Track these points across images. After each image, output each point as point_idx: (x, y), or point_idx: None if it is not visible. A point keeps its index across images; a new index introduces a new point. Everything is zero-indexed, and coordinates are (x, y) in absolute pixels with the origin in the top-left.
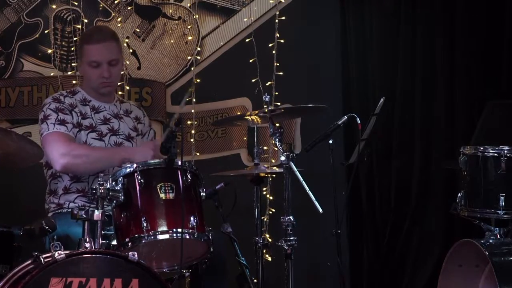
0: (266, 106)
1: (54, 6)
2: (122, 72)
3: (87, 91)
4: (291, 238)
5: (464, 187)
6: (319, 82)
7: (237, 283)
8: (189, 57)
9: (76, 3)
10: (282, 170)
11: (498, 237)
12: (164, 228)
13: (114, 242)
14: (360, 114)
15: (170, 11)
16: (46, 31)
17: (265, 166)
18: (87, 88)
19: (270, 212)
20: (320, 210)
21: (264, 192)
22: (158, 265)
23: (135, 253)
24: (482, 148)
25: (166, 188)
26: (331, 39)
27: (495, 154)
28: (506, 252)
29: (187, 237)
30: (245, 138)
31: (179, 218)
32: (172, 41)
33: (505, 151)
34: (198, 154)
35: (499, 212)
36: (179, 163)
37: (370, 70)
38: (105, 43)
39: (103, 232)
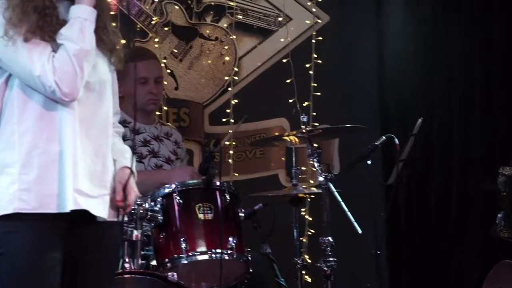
0: (304, 126)
1: None
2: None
3: (127, 112)
4: (330, 259)
5: (504, 208)
6: (357, 102)
7: None
8: (226, 78)
9: (113, 24)
10: (321, 191)
11: None
12: (203, 249)
13: (153, 263)
14: (398, 135)
15: (207, 31)
16: None
17: (304, 186)
18: (127, 109)
19: (309, 233)
20: (359, 231)
21: (303, 213)
22: (197, 286)
23: (175, 273)
24: None
25: (205, 209)
26: (368, 59)
27: None
28: None
29: (226, 257)
30: (283, 159)
31: (218, 238)
32: (209, 61)
33: None
34: (236, 174)
35: None
36: (218, 183)
37: (407, 90)
38: (151, 60)
39: (142, 253)
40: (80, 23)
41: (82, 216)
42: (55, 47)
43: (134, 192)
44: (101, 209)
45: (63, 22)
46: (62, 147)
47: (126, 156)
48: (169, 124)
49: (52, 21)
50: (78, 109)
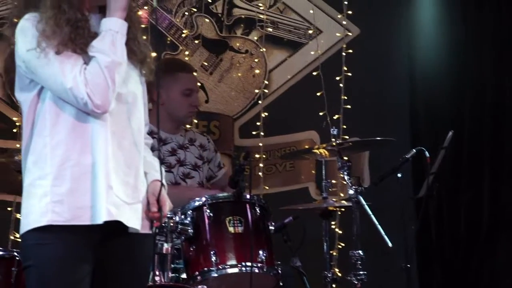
0: (334, 139)
1: None
2: None
3: (154, 123)
4: (361, 272)
5: None
6: (387, 115)
7: None
8: (256, 91)
9: (144, 37)
10: (351, 204)
11: None
12: (233, 262)
13: (184, 276)
14: (429, 148)
15: (238, 44)
16: None
17: (334, 199)
18: (154, 120)
19: (339, 246)
20: (390, 244)
21: (333, 226)
22: None
23: (205, 286)
24: None
25: (235, 222)
26: (399, 71)
27: None
28: None
29: (256, 271)
30: (313, 172)
31: (248, 251)
32: (239, 74)
33: None
34: (266, 187)
35: None
36: (248, 196)
37: (438, 103)
38: (193, 73)
39: (172, 266)
40: (111, 36)
41: (114, 228)
42: (87, 60)
43: (168, 203)
44: (134, 221)
45: (95, 35)
46: (94, 159)
47: (156, 169)
48: (192, 129)
49: (84, 33)
50: (110, 121)
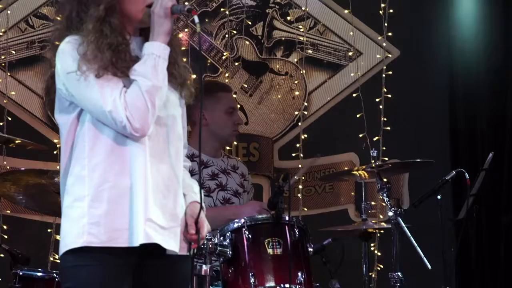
0: (373, 161)
1: None
2: None
3: (195, 146)
4: None
5: None
6: (427, 136)
7: None
8: (296, 112)
9: (184, 59)
10: (390, 226)
11: None
12: (272, 284)
13: None
14: (469, 169)
15: (277, 66)
16: None
17: (373, 221)
18: (195, 142)
19: (378, 268)
20: (429, 267)
21: (372, 248)
22: None
23: None
24: None
25: (274, 243)
26: (439, 93)
27: None
28: None
29: None
30: (352, 193)
31: (287, 273)
32: (279, 96)
33: None
34: (305, 209)
35: None
36: (287, 218)
37: (478, 125)
38: (231, 92)
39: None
40: (153, 60)
41: (152, 250)
42: (127, 83)
43: (206, 225)
44: (172, 243)
45: (136, 58)
46: (132, 181)
47: (195, 191)
48: (235, 157)
49: (125, 57)
50: (148, 144)
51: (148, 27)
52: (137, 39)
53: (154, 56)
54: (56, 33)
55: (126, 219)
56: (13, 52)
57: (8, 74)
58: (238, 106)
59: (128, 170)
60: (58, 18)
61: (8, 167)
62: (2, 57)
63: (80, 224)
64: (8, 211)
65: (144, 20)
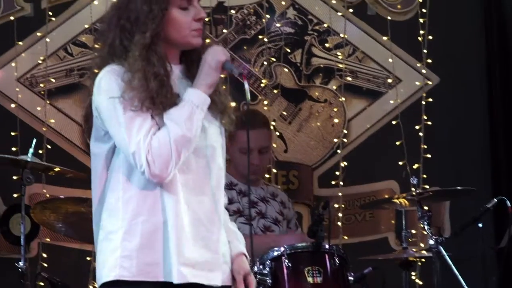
0: (414, 189)
1: None
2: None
3: (233, 174)
4: None
5: None
6: (468, 164)
7: None
8: (335, 140)
9: (224, 87)
10: (431, 254)
11: None
12: None
13: None
14: (510, 197)
15: (316, 93)
16: None
17: (414, 250)
18: (233, 172)
19: None
20: None
21: (413, 277)
22: None
23: None
24: None
25: (314, 272)
26: (478, 120)
27: None
28: None
29: None
30: (393, 222)
31: None
32: (318, 123)
33: None
34: (345, 237)
35: None
36: (327, 246)
37: None
38: (257, 130)
39: None
40: (191, 108)
41: (188, 285)
42: (160, 122)
43: (254, 283)
44: (214, 276)
45: (176, 97)
46: (165, 217)
47: (240, 240)
48: (274, 184)
49: (166, 92)
50: (188, 176)
51: (189, 51)
52: (177, 68)
53: (192, 105)
54: (96, 61)
55: (159, 255)
56: (52, 80)
57: (48, 102)
58: (278, 134)
59: (160, 205)
60: (97, 46)
61: (47, 195)
62: (41, 85)
63: (113, 257)
64: (48, 239)
65: (189, 42)
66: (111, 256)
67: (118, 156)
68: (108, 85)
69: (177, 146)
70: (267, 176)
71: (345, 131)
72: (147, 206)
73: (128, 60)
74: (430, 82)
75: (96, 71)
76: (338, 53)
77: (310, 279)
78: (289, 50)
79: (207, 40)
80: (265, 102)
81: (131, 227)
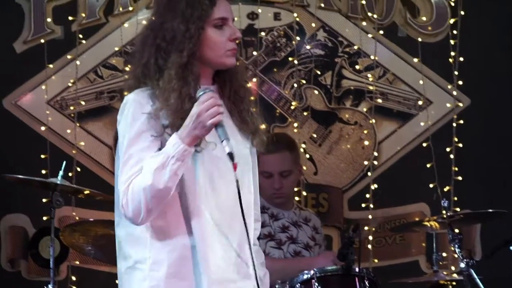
0: (444, 211)
1: None
2: (302, 177)
3: (265, 198)
4: None
5: None
6: (499, 186)
7: None
8: (366, 162)
9: (253, 109)
10: (462, 278)
11: None
12: None
13: None
14: None
15: (347, 116)
16: None
17: (445, 273)
18: (264, 196)
19: None
20: None
21: None
22: None
23: None
24: None
25: None
26: (510, 142)
27: None
28: None
29: None
30: (423, 245)
31: None
32: (348, 146)
33: None
34: (376, 260)
35: None
36: (357, 269)
37: None
38: (277, 154)
39: None
40: (165, 159)
41: None
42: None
43: None
44: None
45: None
46: (194, 243)
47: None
48: (308, 209)
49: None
50: (216, 200)
51: (222, 71)
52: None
53: (167, 155)
54: (128, 82)
55: (188, 283)
56: (82, 102)
57: (78, 124)
58: (308, 156)
59: (187, 232)
60: (128, 68)
61: (77, 218)
62: (72, 107)
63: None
64: (77, 262)
65: (224, 63)
66: (140, 286)
67: None
68: (127, 114)
69: (145, 196)
70: (297, 198)
71: (375, 154)
72: (175, 234)
73: (163, 79)
74: (461, 104)
75: (125, 93)
76: (369, 75)
77: None
78: (319, 72)
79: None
80: (295, 125)
81: (158, 256)
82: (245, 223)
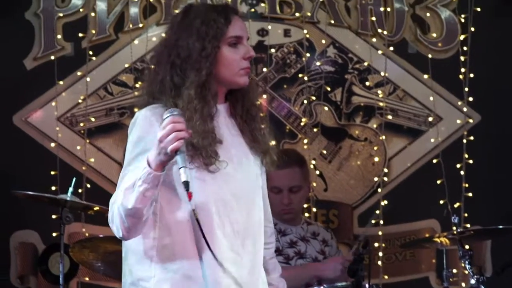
0: (455, 228)
1: None
2: (310, 194)
3: (273, 214)
4: None
5: None
6: (510, 203)
7: None
8: (375, 179)
9: (263, 126)
10: None
11: None
12: None
13: None
14: None
15: (357, 132)
16: None
17: None
18: (273, 211)
19: None
20: None
21: None
22: None
23: None
24: None
25: None
26: None
27: None
28: None
29: None
30: (433, 261)
31: None
32: (358, 162)
33: None
34: (386, 277)
35: None
36: (367, 286)
37: None
38: (287, 169)
39: None
40: (134, 180)
41: None
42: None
43: None
44: None
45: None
46: (201, 264)
47: None
48: (317, 223)
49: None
50: (226, 219)
51: (236, 90)
52: (223, 107)
53: (136, 177)
54: (141, 98)
55: None
56: (92, 119)
57: (87, 141)
58: (318, 172)
59: (196, 253)
60: (137, 85)
61: (86, 234)
62: (81, 124)
63: None
64: (87, 278)
65: (237, 82)
66: None
67: (157, 201)
68: (134, 132)
69: (120, 213)
70: (306, 214)
71: (385, 170)
72: (180, 253)
73: (182, 98)
74: (471, 120)
75: (136, 109)
76: (379, 92)
77: None
78: (329, 89)
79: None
80: (305, 141)
81: (162, 275)
82: (207, 242)
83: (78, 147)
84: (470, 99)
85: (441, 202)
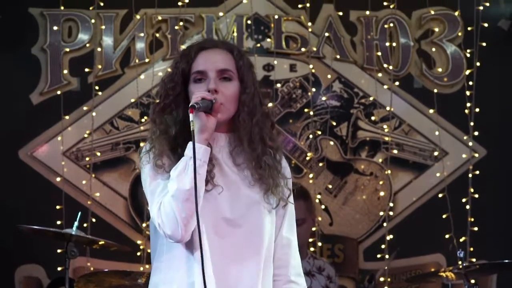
0: (460, 262)
1: None
2: (314, 229)
3: None
4: None
5: None
6: None
7: None
8: (381, 213)
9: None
10: None
11: None
12: None
13: None
14: None
15: (362, 166)
16: None
17: None
18: None
19: None
20: None
21: None
22: None
23: None
24: None
25: None
26: None
27: None
28: None
29: None
30: None
31: None
32: (364, 197)
33: None
34: None
35: None
36: None
37: None
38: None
39: None
40: (185, 162)
41: None
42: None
43: None
44: None
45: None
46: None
47: None
48: (323, 258)
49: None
50: (221, 244)
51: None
52: (224, 136)
53: (186, 158)
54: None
55: None
56: (98, 153)
57: (93, 175)
58: (323, 207)
59: (187, 276)
60: (143, 120)
61: (91, 268)
62: (87, 158)
63: None
64: None
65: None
66: None
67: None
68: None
69: (176, 204)
70: (312, 249)
71: (391, 204)
72: (187, 281)
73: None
74: (477, 155)
75: (141, 144)
76: (384, 126)
77: None
78: (334, 123)
79: None
80: (311, 175)
81: None
82: (202, 268)
83: (84, 182)
84: (476, 133)
85: (447, 236)
